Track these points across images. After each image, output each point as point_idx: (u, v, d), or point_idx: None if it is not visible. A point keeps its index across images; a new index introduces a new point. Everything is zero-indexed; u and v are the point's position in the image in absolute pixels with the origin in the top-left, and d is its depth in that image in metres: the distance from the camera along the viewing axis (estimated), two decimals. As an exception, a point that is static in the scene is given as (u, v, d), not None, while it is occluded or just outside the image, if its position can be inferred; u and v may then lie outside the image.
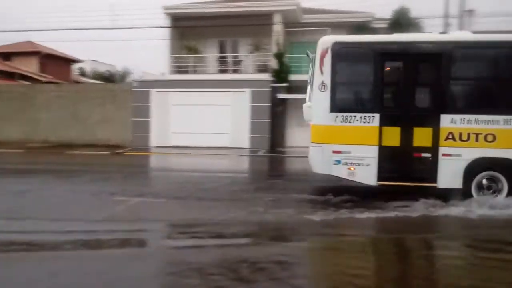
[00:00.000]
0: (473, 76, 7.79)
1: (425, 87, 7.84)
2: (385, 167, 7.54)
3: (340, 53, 7.52)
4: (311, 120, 7.91)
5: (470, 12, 17.84)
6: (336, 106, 7.57)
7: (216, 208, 7.50)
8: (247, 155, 16.25)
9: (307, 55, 8.43)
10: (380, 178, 7.54)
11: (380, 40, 7.96)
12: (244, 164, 15.14)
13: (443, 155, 7.37)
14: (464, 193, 7.36)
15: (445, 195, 7.41)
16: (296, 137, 18.11)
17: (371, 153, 7.50)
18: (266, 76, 18.18)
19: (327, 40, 7.61)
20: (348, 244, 5.75)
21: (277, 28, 19.00)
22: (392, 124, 7.48)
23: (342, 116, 7.54)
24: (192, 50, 20.30)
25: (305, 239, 6.05)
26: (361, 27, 17.63)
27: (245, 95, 17.75)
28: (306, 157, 8.19)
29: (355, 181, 7.75)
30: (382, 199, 7.47)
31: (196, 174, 11.89)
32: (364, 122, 7.49)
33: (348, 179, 7.78)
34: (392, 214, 6.83)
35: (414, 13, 17.06)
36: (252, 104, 17.65)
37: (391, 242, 5.89)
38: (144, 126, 18.27)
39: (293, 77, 18.42)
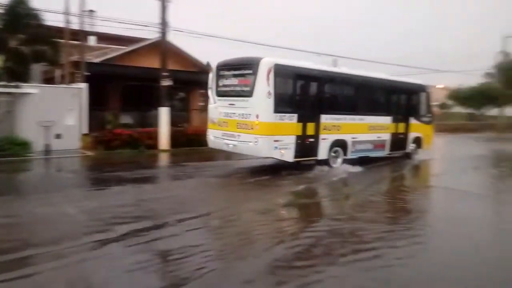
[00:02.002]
0: (332, 92, 12.52)
1: (315, 98, 11.79)
2: (297, 149, 10.94)
3: (279, 72, 10.50)
4: (260, 118, 10.37)
5: (91, 12, 18.95)
6: (277, 109, 10.43)
7: None
8: None
9: (207, 65, 11.13)
10: (295, 156, 10.94)
11: (296, 65, 11.30)
12: None
13: (322, 139, 11.54)
14: (325, 161, 11.79)
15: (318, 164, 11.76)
16: None
17: (292, 141, 10.81)
18: None
19: (270, 61, 10.46)
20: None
21: None
22: (301, 121, 10.99)
23: (280, 115, 10.50)
24: None
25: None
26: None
27: None
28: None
29: (283, 160, 10.91)
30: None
31: None
32: (290, 120, 10.72)
33: (280, 159, 10.91)
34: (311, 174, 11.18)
35: (34, 4, 16.11)
36: None
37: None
38: None
39: None
